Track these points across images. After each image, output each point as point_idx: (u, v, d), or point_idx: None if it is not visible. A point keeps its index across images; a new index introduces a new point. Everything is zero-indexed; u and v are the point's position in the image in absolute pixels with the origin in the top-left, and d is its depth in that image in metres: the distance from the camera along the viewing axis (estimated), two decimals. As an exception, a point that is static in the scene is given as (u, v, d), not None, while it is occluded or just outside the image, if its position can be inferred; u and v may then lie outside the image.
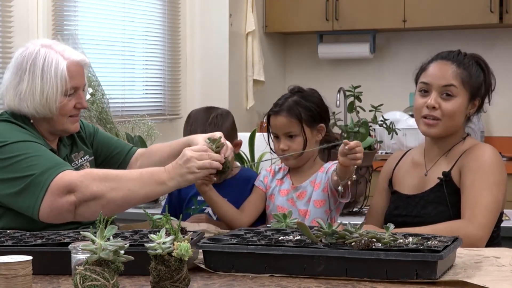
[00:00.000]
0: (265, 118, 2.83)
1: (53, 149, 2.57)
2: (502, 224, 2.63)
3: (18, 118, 2.54)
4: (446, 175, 2.56)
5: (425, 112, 2.56)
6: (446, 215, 2.50)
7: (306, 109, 2.75)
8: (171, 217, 2.01)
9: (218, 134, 2.50)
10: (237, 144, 2.93)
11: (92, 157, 2.73)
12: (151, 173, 2.39)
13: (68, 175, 2.35)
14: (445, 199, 2.53)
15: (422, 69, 2.63)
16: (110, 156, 2.77)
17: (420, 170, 2.66)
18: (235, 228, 2.64)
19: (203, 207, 2.89)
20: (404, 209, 2.61)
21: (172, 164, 2.39)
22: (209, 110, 2.96)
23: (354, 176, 2.55)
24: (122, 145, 2.82)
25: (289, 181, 2.83)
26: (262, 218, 2.87)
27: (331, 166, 2.74)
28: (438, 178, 2.57)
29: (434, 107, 2.54)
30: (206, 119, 2.89)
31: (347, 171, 2.52)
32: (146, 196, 2.38)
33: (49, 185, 2.33)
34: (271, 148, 2.85)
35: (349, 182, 2.56)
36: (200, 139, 2.53)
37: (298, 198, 2.78)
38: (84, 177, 2.34)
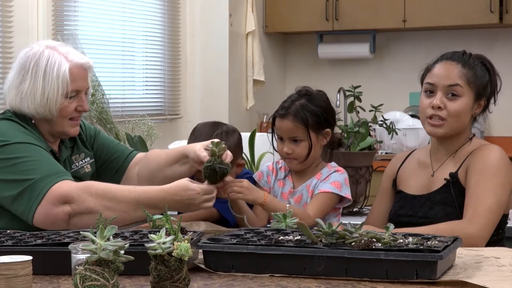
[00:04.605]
0: (270, 118, 2.77)
1: (54, 151, 2.57)
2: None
3: (20, 117, 2.54)
4: (453, 176, 2.53)
5: (431, 112, 2.54)
6: (454, 216, 2.47)
7: (313, 114, 2.68)
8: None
9: (216, 141, 2.49)
10: (239, 165, 2.88)
11: (93, 160, 2.72)
12: (149, 199, 2.36)
13: (66, 186, 2.35)
14: (453, 200, 2.51)
15: (427, 69, 2.61)
16: (109, 160, 2.75)
17: (426, 170, 2.64)
18: None
19: None
20: (409, 209, 2.60)
21: (174, 195, 2.36)
22: (215, 125, 2.91)
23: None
24: (121, 149, 2.80)
25: (290, 183, 2.79)
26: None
27: (327, 177, 2.70)
28: (445, 179, 2.55)
29: (439, 107, 2.52)
30: (211, 135, 2.83)
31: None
32: (140, 217, 2.38)
33: (46, 192, 2.34)
34: (274, 149, 2.80)
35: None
36: (198, 147, 2.51)
37: (295, 202, 2.74)
38: (82, 191, 2.35)
